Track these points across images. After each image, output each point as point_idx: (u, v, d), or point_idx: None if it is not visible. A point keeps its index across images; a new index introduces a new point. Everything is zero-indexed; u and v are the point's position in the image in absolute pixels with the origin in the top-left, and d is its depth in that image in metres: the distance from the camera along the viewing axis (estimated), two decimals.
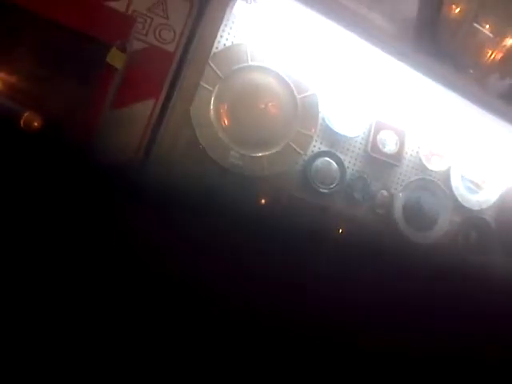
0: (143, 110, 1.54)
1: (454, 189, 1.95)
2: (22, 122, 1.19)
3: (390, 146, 1.87)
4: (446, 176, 1.96)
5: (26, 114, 1.20)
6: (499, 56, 1.95)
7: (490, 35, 1.92)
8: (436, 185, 1.93)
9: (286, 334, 1.29)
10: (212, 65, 1.66)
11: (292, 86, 1.74)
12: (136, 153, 1.51)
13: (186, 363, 1.14)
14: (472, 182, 1.99)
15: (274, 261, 1.36)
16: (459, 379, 1.49)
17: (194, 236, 1.31)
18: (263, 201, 1.75)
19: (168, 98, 1.54)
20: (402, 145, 1.89)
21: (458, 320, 1.56)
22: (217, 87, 1.67)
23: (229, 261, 1.33)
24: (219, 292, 1.26)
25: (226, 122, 1.68)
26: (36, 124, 1.21)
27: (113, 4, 1.45)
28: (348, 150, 1.86)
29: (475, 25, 1.89)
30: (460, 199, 1.96)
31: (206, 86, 1.65)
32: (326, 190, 1.80)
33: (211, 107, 1.67)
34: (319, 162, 1.80)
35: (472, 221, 1.98)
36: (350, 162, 1.85)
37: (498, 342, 1.60)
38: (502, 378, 1.55)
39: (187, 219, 1.32)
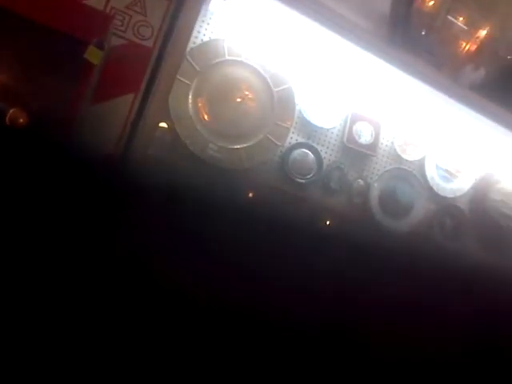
0: (122, 104, 1.57)
1: (428, 178, 2.00)
2: (7, 119, 1.22)
3: (365, 136, 1.92)
4: (421, 165, 2.01)
5: (11, 111, 1.23)
6: (473, 47, 1.99)
7: (464, 27, 1.96)
8: (411, 174, 1.98)
9: (265, 322, 1.33)
10: (190, 60, 1.69)
11: (268, 79, 1.78)
12: (116, 147, 1.54)
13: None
14: (446, 170, 2.04)
15: (253, 251, 1.40)
16: (433, 366, 1.53)
17: (174, 228, 1.35)
18: (242, 192, 1.79)
19: (147, 92, 1.57)
20: (377, 135, 1.93)
21: (433, 305, 1.60)
22: (195, 81, 1.71)
23: (209, 252, 1.37)
24: (200, 283, 1.30)
25: (204, 115, 1.72)
26: (21, 120, 1.24)
27: (91, 2, 1.48)
28: (324, 141, 1.90)
29: (449, 17, 1.93)
30: (435, 188, 2.01)
31: (185, 80, 1.69)
32: (303, 181, 1.84)
33: (189, 101, 1.70)
34: (296, 153, 1.84)
35: (446, 209, 2.03)
36: (326, 153, 1.90)
37: (473, 326, 1.64)
38: (473, 363, 1.59)
39: (167, 212, 1.36)
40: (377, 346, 1.47)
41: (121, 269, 1.24)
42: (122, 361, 1.15)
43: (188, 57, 1.68)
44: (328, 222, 1.89)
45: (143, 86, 1.57)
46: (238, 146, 1.75)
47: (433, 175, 2.00)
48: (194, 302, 1.26)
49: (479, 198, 2.10)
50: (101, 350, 1.12)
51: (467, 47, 1.98)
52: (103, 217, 1.29)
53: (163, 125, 1.69)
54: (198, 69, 1.70)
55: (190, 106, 1.71)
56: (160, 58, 1.57)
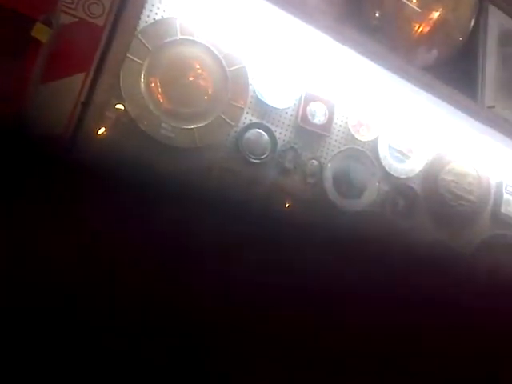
0: (73, 84, 1.55)
1: (381, 158, 2.02)
2: None
3: (319, 117, 1.93)
4: (374, 146, 2.03)
5: None
6: (426, 29, 2.01)
7: (417, 9, 1.98)
8: (364, 154, 2.00)
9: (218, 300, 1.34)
10: (142, 38, 1.68)
11: (222, 59, 1.77)
12: (66, 127, 1.52)
13: None
14: (399, 151, 2.06)
15: (205, 232, 1.41)
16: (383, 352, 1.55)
17: (126, 209, 1.34)
18: (195, 173, 1.79)
19: (98, 71, 1.55)
20: (331, 116, 1.95)
21: (385, 285, 1.62)
22: (147, 61, 1.69)
23: (163, 233, 1.37)
24: (155, 264, 1.30)
25: (156, 94, 1.70)
26: None
27: None
28: (279, 121, 1.91)
29: None
30: (387, 168, 2.03)
31: (136, 59, 1.67)
32: (257, 161, 1.85)
33: (141, 80, 1.69)
34: (250, 133, 1.84)
35: (399, 189, 2.06)
36: (280, 133, 1.90)
37: (425, 306, 1.67)
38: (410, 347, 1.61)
39: (119, 192, 1.35)
40: (330, 319, 1.49)
41: (70, 250, 1.23)
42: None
43: (140, 36, 1.67)
44: (287, 205, 1.90)
45: (94, 65, 1.54)
46: (192, 126, 1.74)
47: (386, 155, 2.03)
48: (136, 281, 1.26)
49: (431, 178, 2.14)
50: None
51: (420, 29, 2.00)
52: (53, 197, 1.27)
53: (120, 106, 1.68)
54: (149, 48, 1.68)
55: (143, 85, 1.69)
56: (111, 37, 1.55)
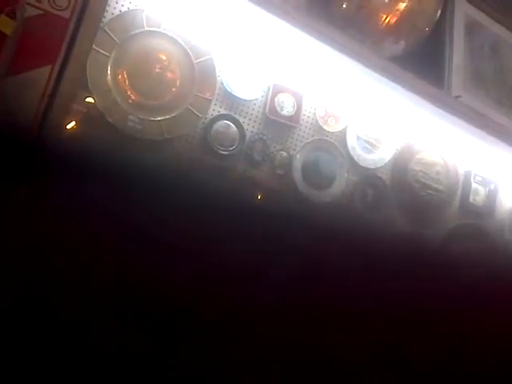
0: (39, 76, 1.54)
1: (350, 148, 2.04)
2: None
3: (287, 108, 1.94)
4: (343, 136, 2.04)
5: None
6: (393, 20, 2.02)
7: (384, 0, 1.99)
8: (332, 145, 2.02)
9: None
10: (108, 31, 1.67)
11: (189, 50, 1.77)
12: (33, 119, 1.52)
13: None
14: (367, 141, 2.08)
15: (177, 222, 1.41)
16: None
17: (94, 200, 1.34)
18: (163, 165, 1.79)
19: (64, 64, 1.55)
20: (299, 107, 1.96)
21: (354, 276, 1.64)
22: (113, 53, 1.69)
23: (132, 224, 1.37)
24: (124, 254, 1.30)
25: (123, 87, 1.70)
26: None
27: None
28: (247, 112, 1.91)
29: None
30: (356, 158, 2.05)
31: (103, 51, 1.67)
32: (225, 152, 1.86)
33: (108, 72, 1.69)
34: (218, 125, 1.85)
35: (368, 179, 2.08)
36: (249, 125, 1.91)
37: (395, 297, 1.69)
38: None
39: (87, 184, 1.35)
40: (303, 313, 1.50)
41: (35, 240, 1.23)
42: None
43: (106, 28, 1.66)
44: (259, 197, 1.91)
45: (60, 57, 1.54)
46: (159, 118, 1.74)
47: (354, 146, 2.05)
48: (107, 270, 1.26)
49: (400, 168, 2.16)
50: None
51: (387, 20, 2.02)
52: (20, 189, 1.27)
53: (89, 100, 1.67)
54: (116, 40, 1.68)
55: (109, 77, 1.69)
56: (77, 29, 1.54)
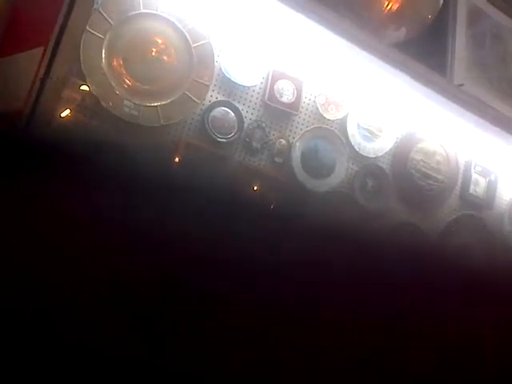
0: (31, 59, 1.49)
1: (350, 137, 2.00)
2: None
3: (287, 95, 1.89)
4: (343, 124, 2.00)
5: None
6: (395, 7, 1.99)
7: None
8: (333, 133, 1.97)
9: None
10: (102, 12, 1.62)
11: (186, 34, 1.72)
12: (25, 102, 1.47)
13: None
14: (368, 130, 2.04)
15: (173, 211, 1.36)
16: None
17: (88, 189, 1.29)
18: (161, 152, 1.74)
19: (57, 46, 1.49)
20: (299, 94, 1.91)
21: (352, 267, 1.60)
22: (108, 35, 1.63)
23: (127, 213, 1.32)
24: (119, 243, 1.26)
25: (118, 71, 1.65)
26: None
27: None
28: (246, 99, 1.86)
29: None
30: (356, 147, 2.01)
31: (98, 34, 1.61)
32: (223, 140, 1.81)
33: (103, 56, 1.63)
34: (216, 111, 1.80)
35: (368, 168, 2.04)
36: (247, 112, 1.86)
37: (393, 285, 1.66)
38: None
39: (79, 168, 1.29)
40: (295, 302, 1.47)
41: (30, 237, 1.18)
42: None
43: (100, 9, 1.60)
44: (255, 188, 1.87)
45: (53, 39, 1.49)
46: (155, 104, 1.69)
47: (354, 134, 2.00)
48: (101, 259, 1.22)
49: (400, 157, 2.12)
50: None
51: (389, 6, 1.98)
52: (8, 179, 1.21)
53: (84, 88, 1.62)
54: (111, 22, 1.62)
55: (104, 61, 1.64)
56: (70, 10, 1.49)
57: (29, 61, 1.50)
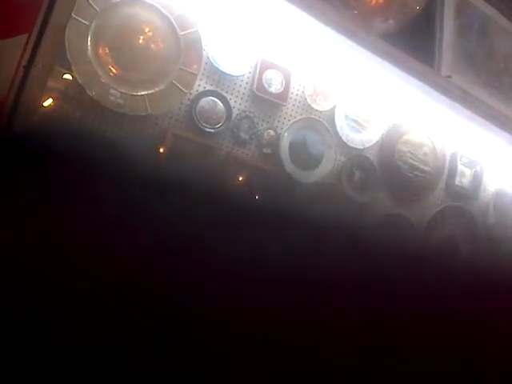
0: (14, 46, 1.46)
1: (338, 128, 1.99)
2: None
3: (275, 85, 1.88)
4: (331, 115, 1.99)
5: None
6: None
7: None
8: (321, 124, 1.96)
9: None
10: None
11: (173, 21, 1.69)
12: (8, 91, 1.44)
13: None
14: (356, 121, 2.03)
15: (159, 200, 1.34)
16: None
17: (75, 181, 1.27)
18: (147, 142, 1.72)
19: (41, 33, 1.46)
20: (287, 84, 1.90)
21: (343, 257, 1.60)
22: (94, 22, 1.60)
23: (116, 206, 1.30)
24: (107, 237, 1.24)
25: (104, 58, 1.62)
26: None
27: None
28: (234, 89, 1.84)
29: None
30: (344, 138, 2.00)
31: (83, 20, 1.58)
32: (211, 130, 1.79)
33: (88, 43, 1.60)
34: (204, 101, 1.78)
35: (355, 159, 2.04)
36: (235, 102, 1.84)
37: (380, 278, 1.66)
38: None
39: (65, 158, 1.27)
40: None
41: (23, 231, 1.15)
42: None
43: None
44: (240, 178, 1.86)
45: (37, 26, 1.45)
46: (142, 93, 1.67)
47: (342, 125, 1.99)
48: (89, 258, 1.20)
49: (388, 148, 2.12)
50: None
51: None
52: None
53: (68, 76, 1.59)
54: (96, 8, 1.59)
55: (90, 48, 1.60)
56: None
57: (12, 48, 1.46)
